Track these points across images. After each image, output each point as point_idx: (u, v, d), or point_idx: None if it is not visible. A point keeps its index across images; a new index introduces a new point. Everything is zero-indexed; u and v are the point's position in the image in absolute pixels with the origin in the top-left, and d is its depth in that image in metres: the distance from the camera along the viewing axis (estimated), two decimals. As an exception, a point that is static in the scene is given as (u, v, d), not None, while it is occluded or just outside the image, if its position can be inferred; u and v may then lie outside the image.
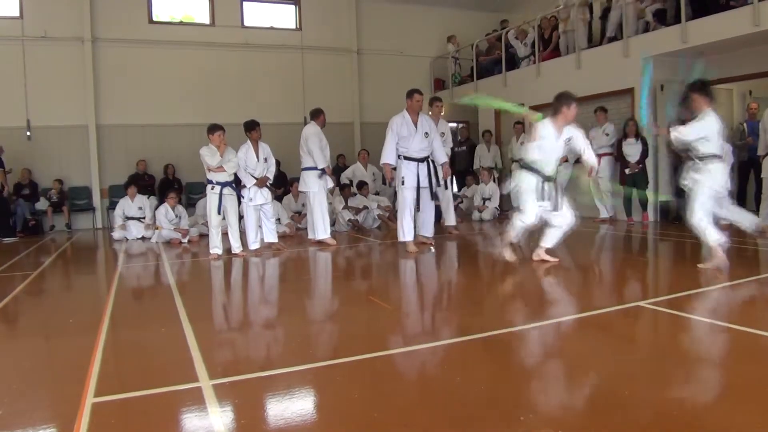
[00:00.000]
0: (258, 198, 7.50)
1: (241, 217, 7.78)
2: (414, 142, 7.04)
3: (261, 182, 7.49)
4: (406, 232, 7.10)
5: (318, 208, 8.09)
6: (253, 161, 7.47)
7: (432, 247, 7.42)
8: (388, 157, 7.09)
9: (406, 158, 7.09)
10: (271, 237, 7.74)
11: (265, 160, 7.57)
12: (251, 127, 7.52)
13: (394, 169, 7.21)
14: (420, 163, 7.12)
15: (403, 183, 7.10)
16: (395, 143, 7.09)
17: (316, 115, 8.20)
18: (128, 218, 10.09)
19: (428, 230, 7.52)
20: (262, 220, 7.69)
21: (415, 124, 7.06)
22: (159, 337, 3.83)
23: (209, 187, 7.24)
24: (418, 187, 7.09)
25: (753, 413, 2.32)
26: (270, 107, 12.67)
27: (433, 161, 7.28)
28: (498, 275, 6.04)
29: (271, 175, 7.66)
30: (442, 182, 7.76)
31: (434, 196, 7.49)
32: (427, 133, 7.12)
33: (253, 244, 7.58)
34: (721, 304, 4.34)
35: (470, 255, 7.00)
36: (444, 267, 6.32)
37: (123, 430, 2.40)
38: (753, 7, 7.56)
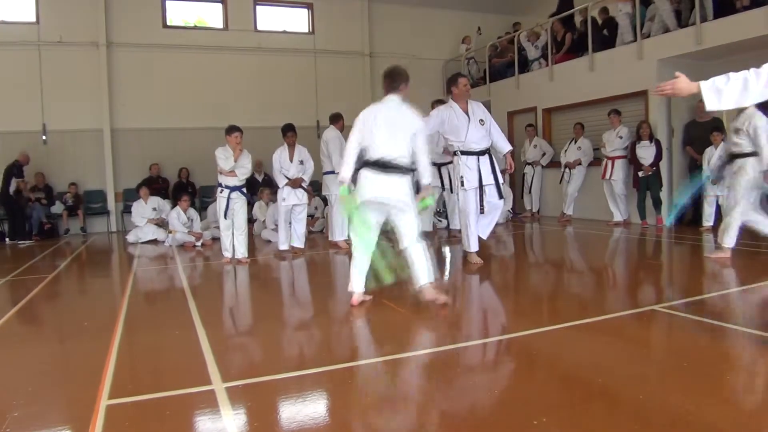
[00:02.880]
0: (291, 198, 7.63)
1: (254, 221, 7.83)
2: (469, 132, 6.16)
3: (294, 183, 7.60)
4: (471, 243, 6.34)
5: (338, 211, 8.15)
6: (287, 163, 7.62)
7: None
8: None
9: (463, 153, 6.21)
10: (297, 242, 7.81)
11: (301, 162, 7.69)
12: (285, 131, 7.74)
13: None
14: (481, 157, 6.23)
15: (462, 184, 6.22)
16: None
17: (336, 119, 8.29)
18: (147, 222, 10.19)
19: (485, 232, 6.59)
20: (292, 222, 7.81)
21: (466, 112, 6.23)
22: (173, 340, 3.85)
23: (218, 189, 7.26)
24: (481, 186, 6.23)
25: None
26: (283, 110, 12.63)
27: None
28: (510, 279, 6.03)
29: (306, 177, 7.74)
30: (507, 175, 7.13)
31: (500, 194, 6.44)
32: (482, 120, 6.25)
33: (283, 245, 7.71)
34: (736, 308, 4.30)
35: (484, 257, 6.96)
36: (457, 270, 6.29)
37: (137, 433, 2.41)
38: (769, 8, 7.49)
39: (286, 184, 7.63)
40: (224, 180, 7.17)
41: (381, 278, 4.61)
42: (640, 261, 6.82)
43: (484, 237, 6.65)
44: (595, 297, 5.00)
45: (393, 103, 4.56)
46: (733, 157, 5.97)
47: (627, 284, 5.53)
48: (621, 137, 9.49)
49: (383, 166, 4.39)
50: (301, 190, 7.69)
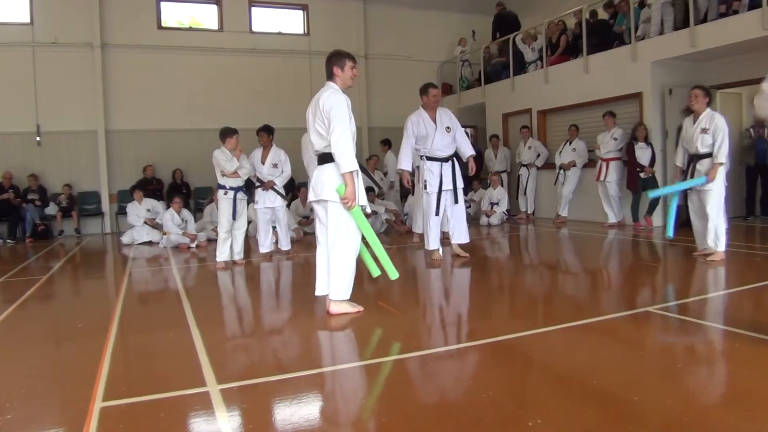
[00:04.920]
0: (263, 201, 7.49)
1: (249, 222, 7.77)
2: (435, 139, 6.51)
3: (265, 186, 7.48)
4: (431, 241, 6.73)
5: None
6: (259, 165, 7.50)
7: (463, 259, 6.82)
8: (403, 162, 6.64)
9: (428, 159, 6.60)
10: (284, 245, 7.75)
11: (275, 165, 7.53)
12: (257, 131, 7.59)
13: (412, 174, 6.80)
14: (444, 163, 6.59)
15: (425, 187, 6.64)
16: (412, 146, 6.65)
17: None
18: (144, 222, 10.17)
19: (461, 237, 6.81)
20: (276, 226, 7.73)
21: (434, 120, 6.57)
22: (167, 342, 3.84)
23: (221, 192, 7.11)
24: (440, 191, 6.60)
25: (763, 420, 2.30)
26: (278, 112, 12.63)
27: (458, 160, 6.75)
28: (506, 281, 6.03)
29: (278, 181, 7.53)
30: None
31: (456, 200, 6.77)
32: (448, 127, 6.58)
33: (262, 248, 7.55)
34: (730, 310, 4.31)
35: (479, 259, 6.97)
36: (452, 272, 6.30)
37: (131, 435, 2.40)
38: (762, 10, 7.52)
39: (257, 187, 7.50)
40: (227, 182, 7.09)
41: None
42: (634, 262, 6.84)
43: (465, 241, 6.86)
44: (590, 298, 5.01)
45: (322, 90, 4.29)
46: (698, 157, 6.00)
47: (621, 286, 5.54)
48: (615, 139, 9.51)
49: (318, 161, 4.33)
50: (273, 192, 7.51)
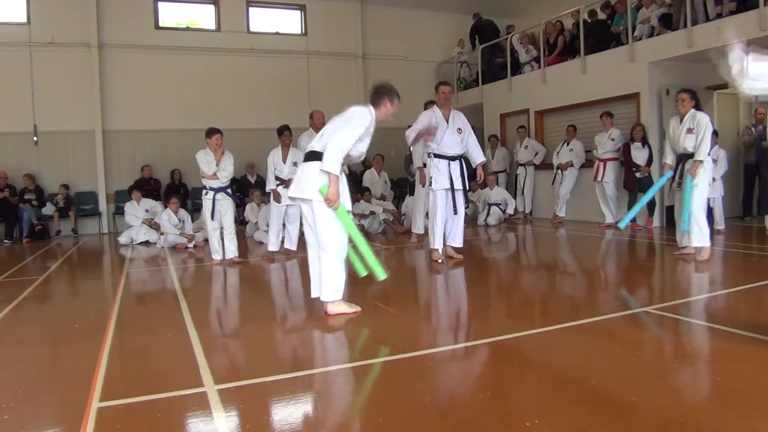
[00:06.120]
0: (284, 199, 7.51)
1: (246, 222, 7.76)
2: (445, 137, 6.47)
3: (288, 184, 7.45)
4: (436, 239, 6.64)
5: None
6: (280, 164, 7.55)
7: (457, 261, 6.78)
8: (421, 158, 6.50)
9: (436, 156, 6.53)
10: (290, 245, 7.76)
11: (294, 163, 7.51)
12: (282, 130, 7.65)
13: (412, 176, 6.77)
14: (452, 162, 6.54)
15: (431, 184, 6.59)
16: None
17: (310, 117, 8.02)
18: (142, 222, 10.16)
19: (456, 240, 6.79)
20: (285, 224, 7.74)
21: (446, 119, 6.55)
22: (164, 343, 3.83)
23: (203, 192, 7.29)
24: (452, 189, 6.54)
25: (759, 419, 2.31)
26: (275, 112, 12.58)
27: (466, 162, 6.71)
28: (502, 281, 6.04)
29: None
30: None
31: (466, 200, 6.82)
32: (459, 128, 6.57)
33: (272, 246, 7.61)
34: (726, 309, 4.32)
35: (477, 260, 6.98)
36: (449, 272, 6.30)
37: (128, 435, 2.40)
38: (759, 11, 7.54)
39: (279, 185, 7.55)
40: (208, 182, 7.20)
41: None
42: (631, 263, 6.85)
43: (459, 245, 6.83)
44: (587, 299, 5.01)
45: (351, 108, 4.40)
46: (686, 156, 6.10)
47: (619, 286, 5.54)
48: (613, 139, 9.52)
49: (305, 157, 4.37)
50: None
